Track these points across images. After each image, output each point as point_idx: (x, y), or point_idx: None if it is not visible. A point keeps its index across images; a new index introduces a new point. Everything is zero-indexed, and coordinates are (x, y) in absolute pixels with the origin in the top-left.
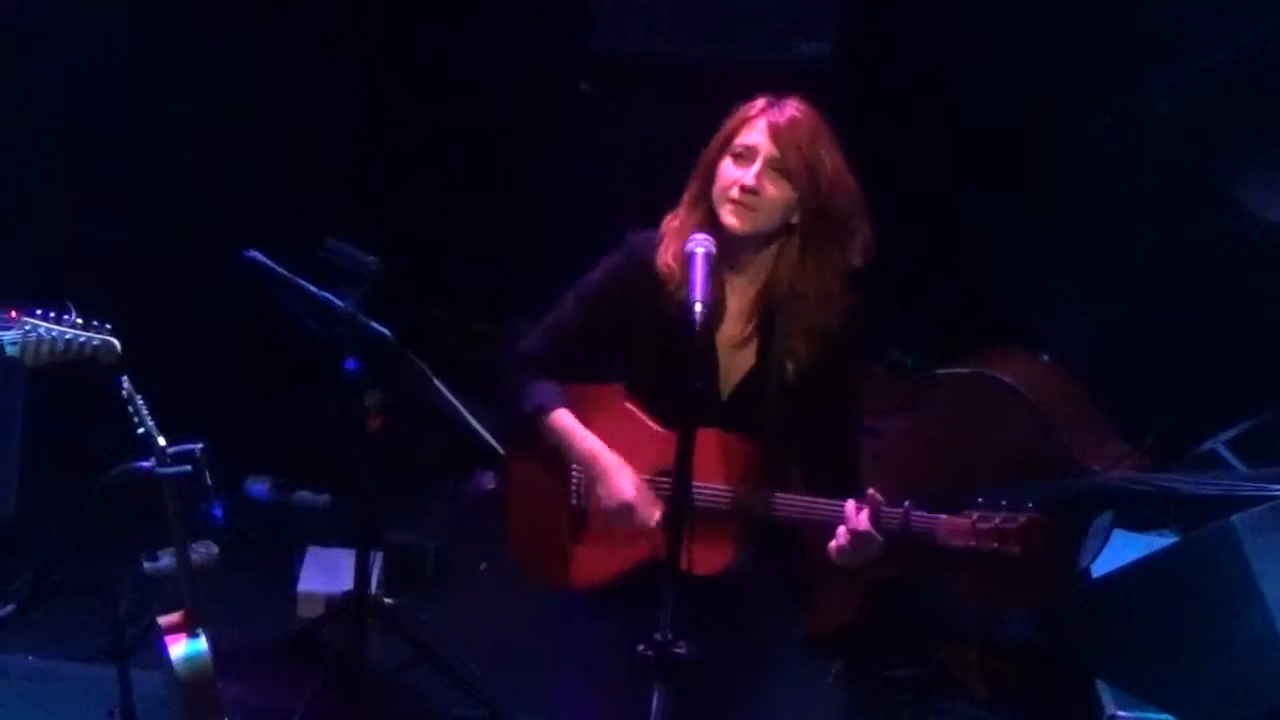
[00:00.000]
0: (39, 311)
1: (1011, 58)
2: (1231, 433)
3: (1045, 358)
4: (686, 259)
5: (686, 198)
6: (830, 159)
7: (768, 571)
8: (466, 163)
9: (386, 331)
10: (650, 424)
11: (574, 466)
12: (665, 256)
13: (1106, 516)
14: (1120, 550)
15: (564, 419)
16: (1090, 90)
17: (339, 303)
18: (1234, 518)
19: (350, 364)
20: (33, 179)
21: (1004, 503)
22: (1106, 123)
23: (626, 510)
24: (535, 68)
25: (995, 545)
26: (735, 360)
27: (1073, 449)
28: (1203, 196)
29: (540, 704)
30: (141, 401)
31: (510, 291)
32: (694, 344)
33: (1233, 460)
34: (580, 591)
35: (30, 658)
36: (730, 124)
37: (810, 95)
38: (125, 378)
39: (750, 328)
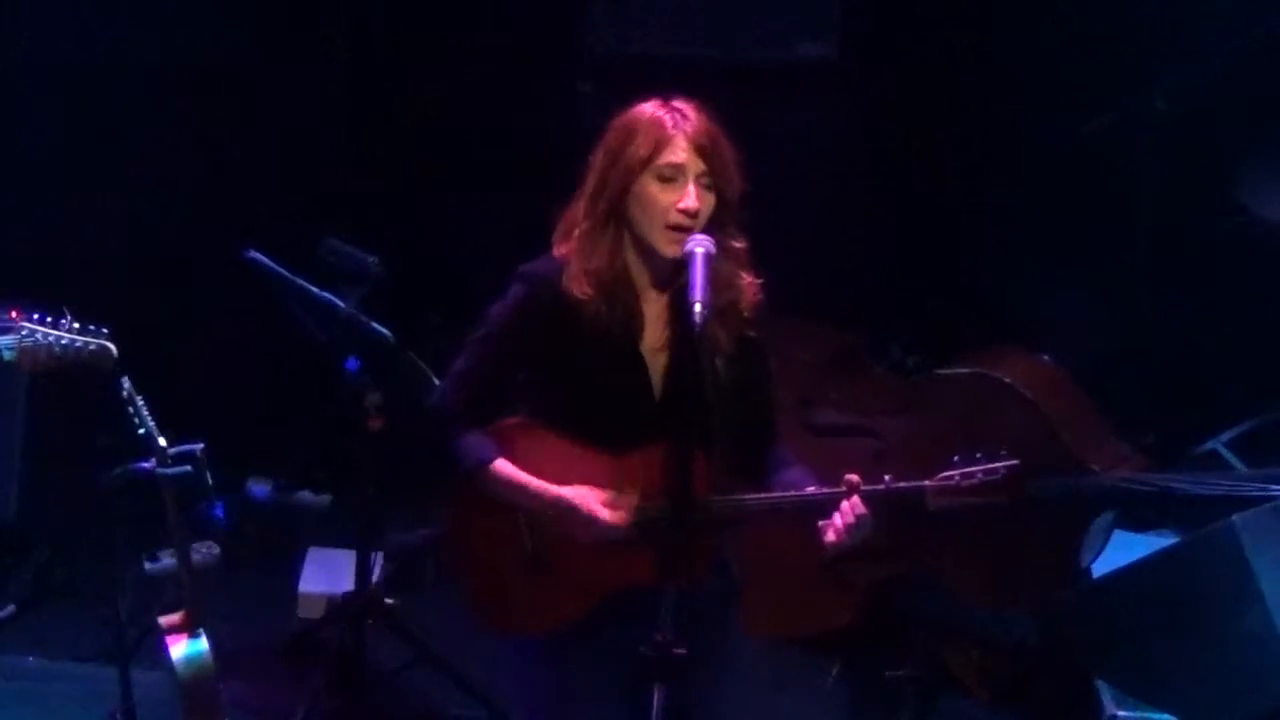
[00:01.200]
0: (35, 316)
1: (1011, 57)
2: (1232, 433)
3: (1045, 358)
4: (685, 259)
5: (593, 219)
6: (733, 155)
7: (716, 576)
8: (466, 163)
9: (387, 332)
10: (582, 450)
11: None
12: (576, 280)
13: (1107, 516)
14: (1120, 550)
15: (505, 469)
16: (1090, 90)
17: (339, 303)
18: (1234, 518)
19: (351, 364)
20: (32, 179)
21: (979, 455)
22: (1106, 122)
23: (606, 531)
24: (535, 68)
25: (982, 498)
26: (662, 365)
27: (1073, 449)
28: (1203, 196)
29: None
30: (142, 402)
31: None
32: (695, 344)
33: (1233, 460)
34: (548, 633)
35: (31, 658)
36: (643, 144)
37: (810, 95)
38: (126, 378)
39: (670, 330)
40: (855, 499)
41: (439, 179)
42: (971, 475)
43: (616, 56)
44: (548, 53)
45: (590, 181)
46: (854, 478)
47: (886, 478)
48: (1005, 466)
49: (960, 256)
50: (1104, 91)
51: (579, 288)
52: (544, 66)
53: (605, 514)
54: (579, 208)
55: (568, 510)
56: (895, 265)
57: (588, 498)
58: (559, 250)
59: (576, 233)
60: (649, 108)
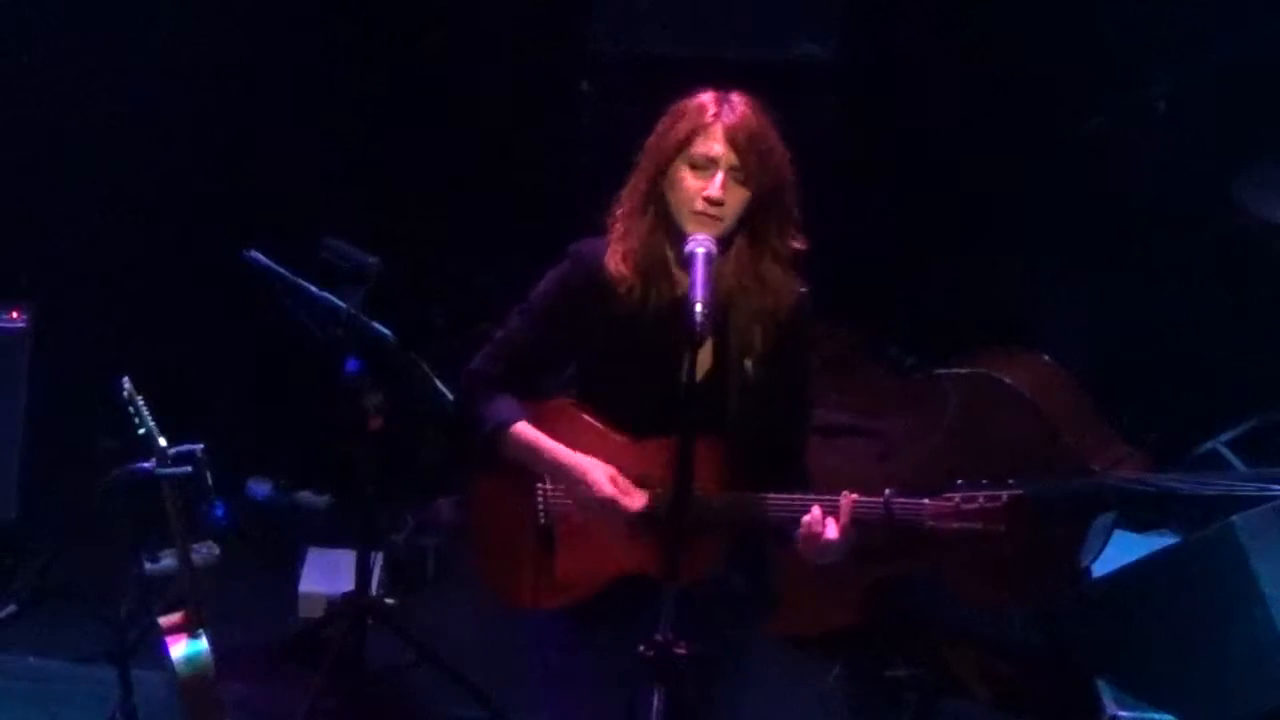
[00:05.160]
0: None
1: (1011, 57)
2: (1232, 433)
3: (1045, 358)
4: (686, 259)
5: (633, 200)
6: (777, 154)
7: (737, 574)
8: (467, 162)
9: (387, 332)
10: (614, 434)
11: (539, 485)
12: (615, 260)
13: (1107, 517)
14: (1121, 550)
15: (527, 431)
16: (1090, 90)
17: (340, 304)
18: (1234, 518)
19: (351, 365)
20: (32, 180)
21: (985, 482)
22: (1106, 123)
23: (611, 504)
24: (535, 68)
25: (981, 524)
26: (689, 354)
27: (1074, 449)
28: (1203, 196)
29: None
30: (142, 402)
31: (511, 291)
32: (695, 345)
33: (1233, 460)
34: (557, 610)
35: (31, 658)
36: (682, 128)
37: (810, 95)
38: (127, 379)
39: (703, 332)
40: (825, 519)
41: (439, 178)
42: (973, 499)
43: (617, 56)
44: (548, 53)
45: (638, 162)
46: (851, 495)
47: (887, 491)
48: (1009, 495)
49: (960, 256)
50: (1103, 91)
51: (616, 267)
52: (545, 66)
53: (610, 490)
54: (627, 187)
55: (580, 479)
56: (895, 265)
57: (601, 472)
58: (611, 230)
59: (620, 212)
60: (702, 95)
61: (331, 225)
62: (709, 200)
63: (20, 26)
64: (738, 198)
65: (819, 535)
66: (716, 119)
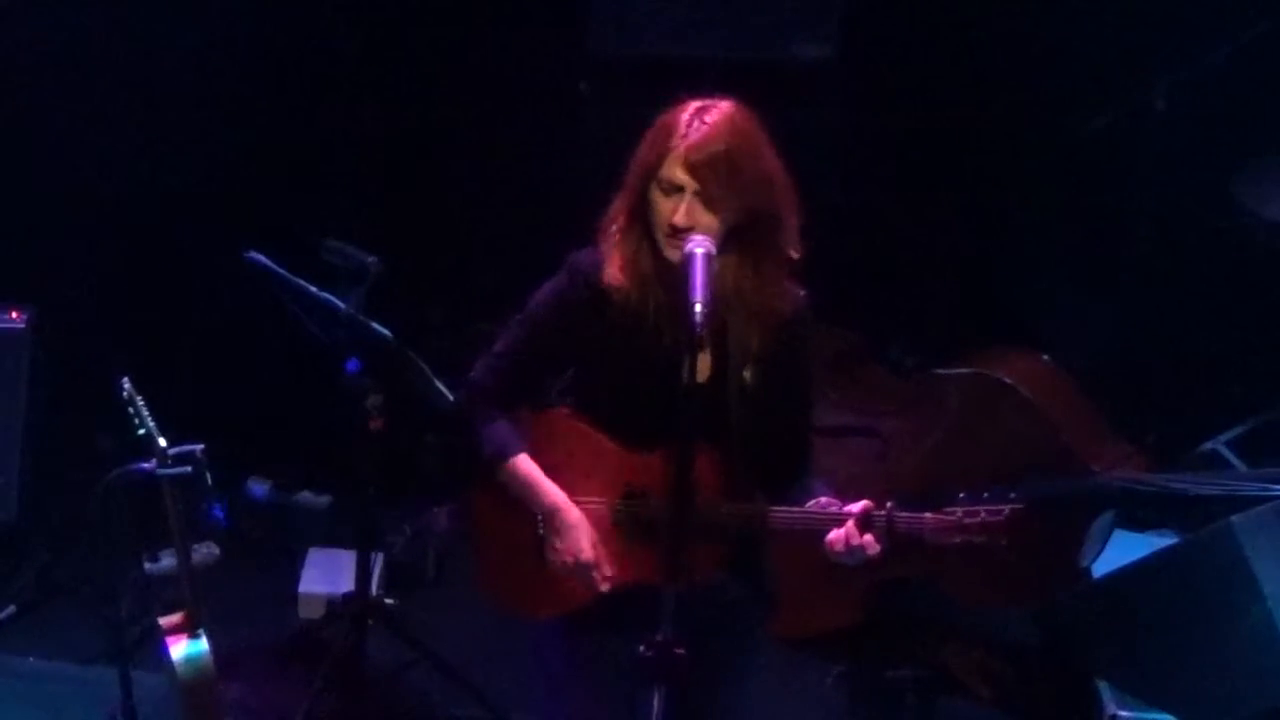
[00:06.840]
0: None
1: (1012, 57)
2: (1232, 433)
3: (1045, 358)
4: (685, 260)
5: (623, 216)
6: (753, 168)
7: (736, 578)
8: (467, 162)
9: (387, 333)
10: (611, 444)
11: None
12: (612, 272)
13: (1107, 517)
14: (1121, 550)
15: (524, 466)
16: (1090, 90)
17: (340, 304)
18: (1234, 518)
19: (351, 365)
20: (32, 180)
21: (986, 495)
22: (1106, 123)
23: (582, 570)
24: (535, 68)
25: (983, 539)
26: (686, 364)
27: (1073, 449)
28: (1203, 196)
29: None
30: (142, 402)
31: (510, 291)
32: (694, 345)
33: (1234, 460)
34: (555, 618)
35: (31, 659)
36: (653, 152)
37: (810, 96)
38: (126, 379)
39: (703, 334)
40: (858, 527)
41: (439, 178)
42: (974, 514)
43: (617, 56)
44: (548, 53)
45: (626, 177)
46: (869, 504)
47: (889, 505)
48: (1010, 509)
49: (960, 256)
50: (1104, 91)
51: (614, 279)
52: (544, 66)
53: (590, 555)
54: (617, 202)
55: (566, 533)
56: (895, 265)
57: (586, 536)
58: (605, 240)
59: (612, 226)
60: (681, 111)
61: (331, 225)
62: (674, 226)
63: (20, 28)
64: (708, 220)
65: (853, 548)
66: (682, 141)
